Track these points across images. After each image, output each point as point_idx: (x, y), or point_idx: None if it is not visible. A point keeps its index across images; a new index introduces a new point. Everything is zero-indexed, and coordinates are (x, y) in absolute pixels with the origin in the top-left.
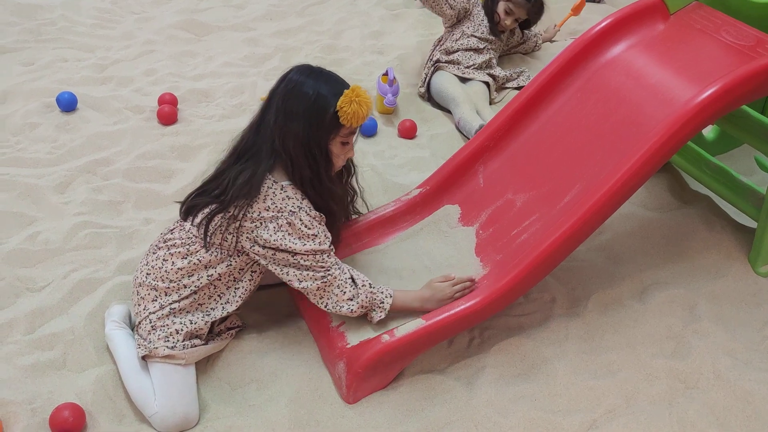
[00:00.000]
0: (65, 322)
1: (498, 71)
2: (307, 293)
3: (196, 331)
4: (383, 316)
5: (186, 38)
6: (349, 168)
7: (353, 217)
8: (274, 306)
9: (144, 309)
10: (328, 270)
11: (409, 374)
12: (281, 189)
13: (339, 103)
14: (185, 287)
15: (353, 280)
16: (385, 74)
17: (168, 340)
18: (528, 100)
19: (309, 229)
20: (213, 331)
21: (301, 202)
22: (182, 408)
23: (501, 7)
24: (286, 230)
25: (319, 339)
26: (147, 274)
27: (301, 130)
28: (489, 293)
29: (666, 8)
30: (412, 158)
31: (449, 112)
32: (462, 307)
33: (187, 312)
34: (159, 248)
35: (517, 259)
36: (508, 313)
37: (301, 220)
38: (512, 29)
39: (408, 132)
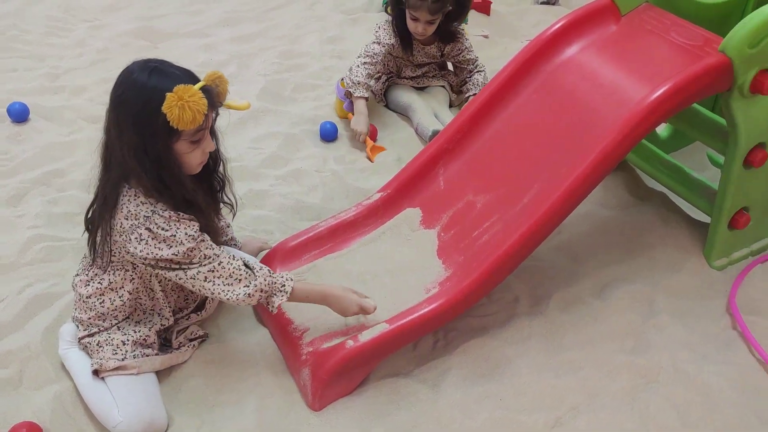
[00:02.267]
0: (21, 339)
1: (453, 77)
2: (201, 290)
3: (144, 339)
4: (284, 300)
5: (141, 46)
6: (215, 159)
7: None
8: (237, 314)
9: (85, 334)
10: (211, 259)
11: (375, 379)
12: (134, 196)
13: (163, 108)
14: (106, 313)
15: (248, 266)
16: (344, 79)
17: (116, 353)
18: (485, 102)
19: (166, 231)
20: (172, 344)
21: (154, 206)
22: (148, 413)
23: (408, 19)
24: (148, 238)
25: (283, 346)
26: (73, 307)
27: (134, 140)
28: (452, 295)
29: (617, 10)
30: (374, 162)
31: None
32: (426, 309)
33: (128, 326)
34: (75, 275)
35: (478, 260)
36: (472, 314)
37: (156, 223)
38: (447, 37)
39: (369, 136)
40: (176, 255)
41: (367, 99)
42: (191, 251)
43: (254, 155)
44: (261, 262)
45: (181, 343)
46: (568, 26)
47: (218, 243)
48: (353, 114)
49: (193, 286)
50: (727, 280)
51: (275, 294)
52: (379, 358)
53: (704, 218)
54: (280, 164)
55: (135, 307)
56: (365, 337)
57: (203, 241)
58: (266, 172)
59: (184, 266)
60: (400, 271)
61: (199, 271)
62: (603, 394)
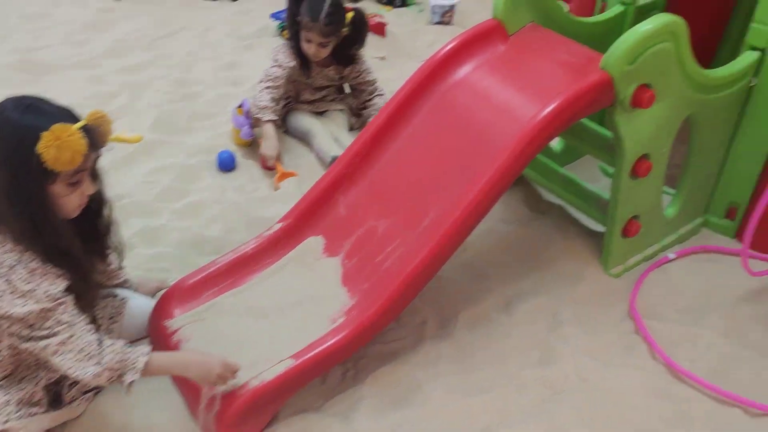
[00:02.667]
0: None
1: (352, 100)
2: (52, 365)
3: (30, 397)
4: (137, 378)
5: (23, 79)
6: (99, 202)
7: (109, 253)
8: None
9: None
10: (64, 328)
11: (284, 417)
12: (1, 243)
13: (38, 148)
14: None
15: (99, 341)
16: (240, 106)
17: (0, 414)
18: (382, 125)
19: (27, 284)
20: (63, 399)
21: (21, 255)
22: None
23: (302, 41)
24: (5, 292)
25: (185, 390)
26: None
27: (5, 181)
28: (359, 324)
29: (505, 30)
30: (278, 189)
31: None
32: (332, 341)
33: (10, 384)
34: None
35: (383, 286)
36: (381, 341)
37: (18, 275)
38: (346, 59)
39: (267, 165)
40: (29, 314)
41: (275, 122)
42: (46, 313)
43: (148, 189)
44: (157, 303)
45: (73, 396)
46: (459, 47)
47: (97, 297)
48: (258, 139)
49: (45, 361)
50: (626, 286)
51: (127, 372)
52: (286, 396)
53: (600, 228)
54: (176, 197)
55: (17, 363)
56: (269, 375)
57: (63, 304)
58: (162, 207)
59: (35, 333)
60: (305, 302)
61: (49, 344)
62: (514, 410)
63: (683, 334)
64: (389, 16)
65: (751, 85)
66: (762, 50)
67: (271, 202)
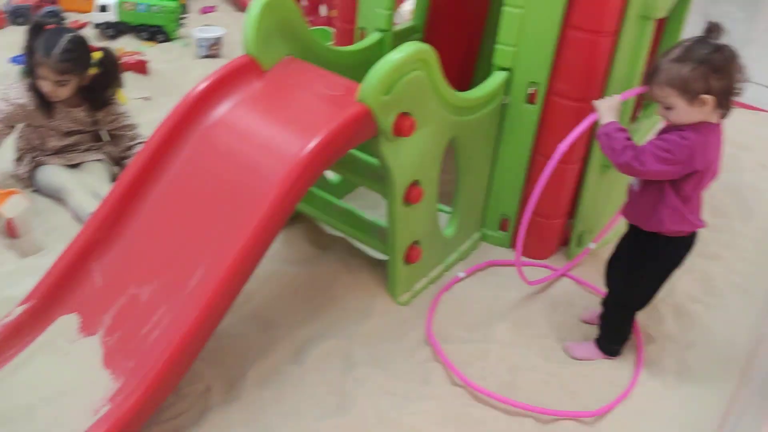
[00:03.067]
0: None
1: (112, 148)
2: None
3: None
4: None
5: None
6: None
7: None
8: None
9: None
10: None
11: None
12: None
13: None
14: None
15: None
16: None
17: None
18: (136, 176)
19: None
20: None
21: None
22: None
23: (38, 77)
24: None
25: None
26: None
27: None
28: (126, 410)
29: (259, 66)
30: (25, 262)
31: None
32: None
33: None
34: None
35: (151, 362)
36: (158, 420)
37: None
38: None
39: (12, 231)
40: None
41: None
42: None
43: None
44: None
45: None
46: (212, 86)
47: None
48: None
49: None
50: (417, 313)
51: None
52: None
53: (384, 257)
54: None
55: None
56: None
57: None
58: None
59: None
60: (61, 395)
61: None
62: None
63: (474, 352)
64: (152, 52)
65: (504, 103)
66: (509, 69)
67: (21, 277)
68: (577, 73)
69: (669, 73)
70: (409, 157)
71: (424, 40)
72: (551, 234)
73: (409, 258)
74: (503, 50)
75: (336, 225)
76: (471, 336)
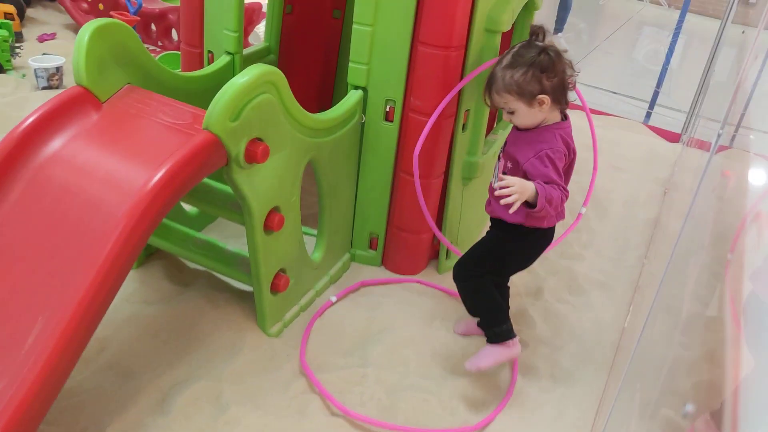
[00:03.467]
0: None
1: None
2: None
3: None
4: None
5: None
6: None
7: None
8: None
9: None
10: None
11: None
12: None
13: None
14: None
15: None
16: None
17: None
18: None
19: None
20: None
21: None
22: None
23: None
24: None
25: None
26: None
27: None
28: None
29: (95, 97)
30: None
31: None
32: None
33: None
34: None
35: None
36: None
37: None
38: None
39: None
40: None
41: None
42: None
43: None
44: None
45: None
46: (42, 120)
47: None
48: None
49: None
50: (289, 343)
51: None
52: None
53: (251, 289)
54: None
55: None
56: None
57: None
58: None
59: None
60: None
61: None
62: None
63: (351, 378)
64: None
65: (362, 122)
66: (364, 88)
67: None
68: (430, 89)
69: (504, 80)
70: (265, 184)
71: (279, 61)
72: (420, 249)
73: (277, 287)
74: (357, 69)
75: (197, 259)
76: (347, 361)
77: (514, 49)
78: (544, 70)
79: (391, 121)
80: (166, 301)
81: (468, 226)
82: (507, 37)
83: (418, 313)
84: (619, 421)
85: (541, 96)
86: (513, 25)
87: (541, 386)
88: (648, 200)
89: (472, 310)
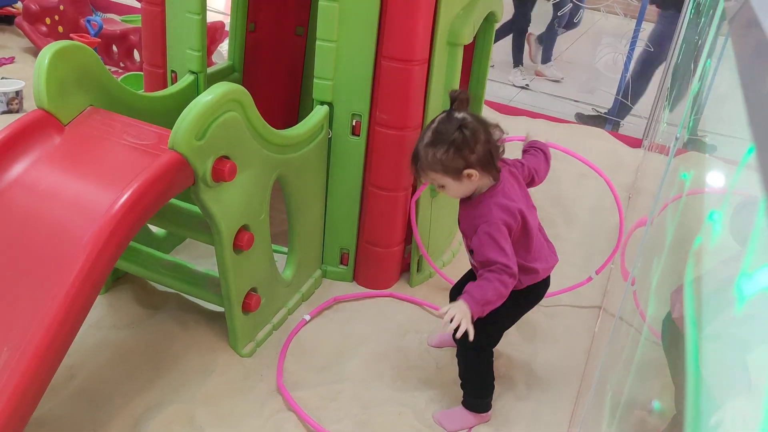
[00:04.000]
0: None
1: None
2: None
3: None
4: None
5: None
6: None
7: None
8: None
9: None
10: None
11: None
12: None
13: None
14: None
15: None
16: None
17: None
18: None
19: None
20: None
21: None
22: None
23: None
24: None
25: None
26: None
27: None
28: None
29: (57, 120)
30: None
31: None
32: None
33: None
34: None
35: None
36: None
37: None
38: None
39: None
40: None
41: None
42: None
43: None
44: None
45: None
46: (4, 145)
47: None
48: None
49: None
50: (263, 362)
51: None
52: None
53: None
54: None
55: None
56: None
57: None
58: None
59: None
60: None
61: None
62: None
63: (327, 394)
64: None
65: (329, 137)
66: (329, 103)
67: None
68: (395, 102)
69: (427, 160)
70: (233, 202)
71: (244, 79)
72: (392, 262)
73: (248, 307)
74: (321, 84)
75: (166, 281)
76: (322, 378)
77: (434, 125)
78: (465, 146)
79: (358, 135)
80: (135, 325)
81: (437, 239)
82: (469, 49)
83: (392, 326)
84: (593, 423)
85: (467, 171)
86: (474, 37)
87: (516, 394)
88: (613, 206)
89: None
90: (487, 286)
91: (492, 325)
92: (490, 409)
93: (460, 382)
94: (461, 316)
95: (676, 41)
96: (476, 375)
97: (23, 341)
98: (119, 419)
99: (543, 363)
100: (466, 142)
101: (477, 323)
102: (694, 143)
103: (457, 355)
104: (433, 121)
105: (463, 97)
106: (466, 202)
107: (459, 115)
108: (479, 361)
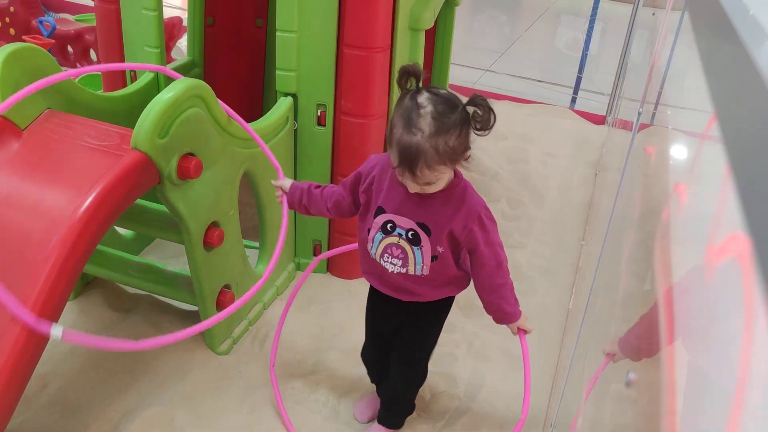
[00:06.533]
0: None
1: None
2: None
3: None
4: None
5: None
6: None
7: None
8: None
9: None
10: None
11: None
12: None
13: None
14: None
15: None
16: None
17: None
18: None
19: None
20: None
21: None
22: None
23: None
24: None
25: None
26: None
27: None
28: None
29: (13, 125)
30: None
31: None
32: None
33: None
34: None
35: None
36: None
37: None
38: None
39: None
40: None
41: None
42: None
43: None
44: None
45: None
46: None
47: None
48: None
49: None
50: (241, 359)
51: None
52: None
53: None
54: None
55: None
56: None
57: None
58: None
59: None
60: None
61: None
62: None
63: (305, 387)
64: None
65: (295, 128)
66: (293, 94)
67: None
68: (359, 90)
69: (437, 152)
70: (201, 199)
71: (205, 74)
72: None
73: (222, 304)
74: (284, 76)
75: (137, 283)
76: (301, 370)
77: (427, 109)
78: (468, 122)
79: (324, 125)
80: (108, 330)
81: None
82: (431, 33)
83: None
84: (572, 398)
85: (468, 151)
86: (435, 22)
87: (494, 374)
88: (581, 183)
89: (396, 397)
90: (510, 289)
91: (436, 337)
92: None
93: (389, 405)
94: (525, 324)
95: (632, 17)
96: (413, 392)
97: None
98: (97, 426)
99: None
100: (469, 116)
101: (431, 339)
102: (656, 117)
103: (398, 382)
104: (417, 105)
105: (417, 71)
106: (433, 195)
107: (437, 91)
108: (423, 377)
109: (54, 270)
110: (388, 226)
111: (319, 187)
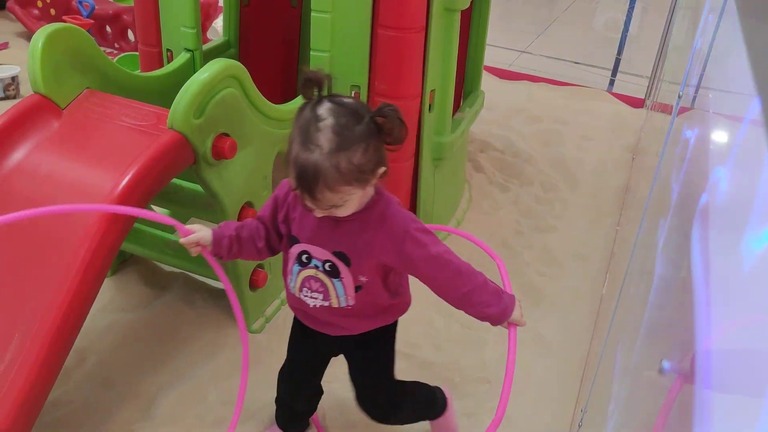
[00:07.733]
0: None
1: None
2: None
3: None
4: None
5: None
6: None
7: None
8: None
9: None
10: None
11: None
12: None
13: None
14: None
15: None
16: None
17: None
18: None
19: None
20: None
21: None
22: None
23: None
24: None
25: None
26: None
27: None
28: None
29: (54, 104)
30: None
31: None
32: None
33: None
34: None
35: None
36: None
37: None
38: None
39: None
40: None
41: None
42: None
43: None
44: None
45: None
46: (2, 131)
47: None
48: None
49: None
50: (273, 337)
51: None
52: None
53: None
54: None
55: None
56: None
57: None
58: None
59: None
60: None
61: None
62: None
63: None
64: None
65: None
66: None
67: None
68: (393, 72)
69: (339, 172)
70: (236, 179)
71: (240, 54)
72: None
73: (255, 283)
74: (318, 57)
75: (172, 261)
76: None
77: (328, 121)
78: (378, 135)
79: None
80: (143, 307)
81: (441, 206)
82: (466, 14)
83: None
84: (603, 386)
85: (381, 168)
86: (471, 2)
87: (524, 359)
88: (617, 167)
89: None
90: (483, 289)
91: (391, 371)
92: (445, 396)
93: (413, 419)
94: (519, 318)
95: (673, 2)
96: (416, 404)
97: (35, 324)
98: (132, 400)
99: (551, 327)
100: (378, 128)
101: (389, 356)
102: (697, 100)
103: (390, 415)
104: (310, 119)
105: (322, 78)
106: (350, 219)
107: (341, 101)
108: (403, 386)
109: (92, 247)
110: (303, 257)
111: (241, 227)
